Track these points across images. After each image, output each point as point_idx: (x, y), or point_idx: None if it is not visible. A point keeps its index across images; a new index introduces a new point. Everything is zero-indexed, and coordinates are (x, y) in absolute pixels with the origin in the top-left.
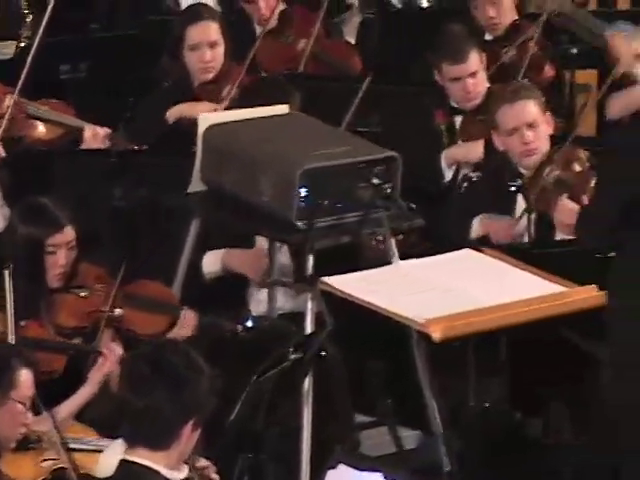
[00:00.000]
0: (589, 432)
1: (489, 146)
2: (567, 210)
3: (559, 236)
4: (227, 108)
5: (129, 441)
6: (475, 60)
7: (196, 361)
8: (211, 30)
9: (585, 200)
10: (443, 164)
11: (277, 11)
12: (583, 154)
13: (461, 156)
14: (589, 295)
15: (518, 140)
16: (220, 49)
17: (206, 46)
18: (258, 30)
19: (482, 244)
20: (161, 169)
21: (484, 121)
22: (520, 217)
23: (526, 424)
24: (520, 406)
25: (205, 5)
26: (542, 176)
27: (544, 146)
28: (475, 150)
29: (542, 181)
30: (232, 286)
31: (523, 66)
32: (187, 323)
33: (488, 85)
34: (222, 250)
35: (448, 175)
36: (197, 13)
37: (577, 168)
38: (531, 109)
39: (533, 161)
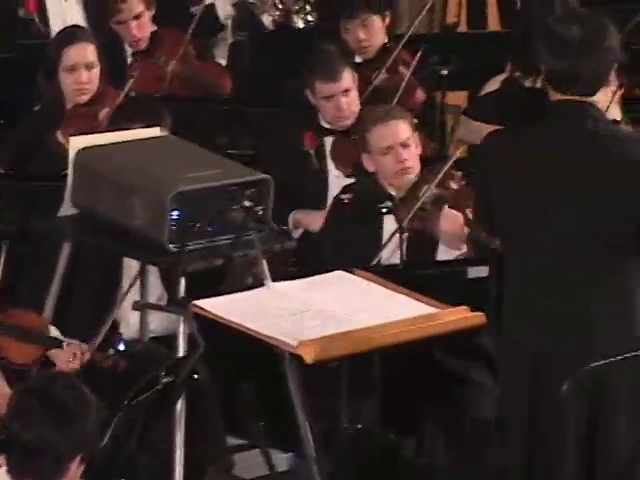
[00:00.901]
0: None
1: (359, 167)
2: (452, 219)
3: (442, 251)
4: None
5: (16, 474)
6: (348, 78)
7: (85, 395)
8: (88, 52)
9: (469, 214)
10: (290, 225)
11: (148, 33)
12: (457, 173)
13: (305, 223)
14: (461, 316)
15: (393, 159)
16: (96, 71)
17: (82, 67)
18: (129, 51)
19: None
20: (31, 193)
21: (356, 141)
22: (386, 244)
23: (399, 445)
24: (393, 427)
25: (81, 27)
26: (418, 195)
27: (417, 166)
28: (318, 221)
29: (419, 200)
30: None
31: (399, 89)
32: (75, 356)
33: (360, 107)
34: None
35: (295, 235)
36: (74, 35)
37: (454, 186)
38: (404, 129)
39: (407, 180)
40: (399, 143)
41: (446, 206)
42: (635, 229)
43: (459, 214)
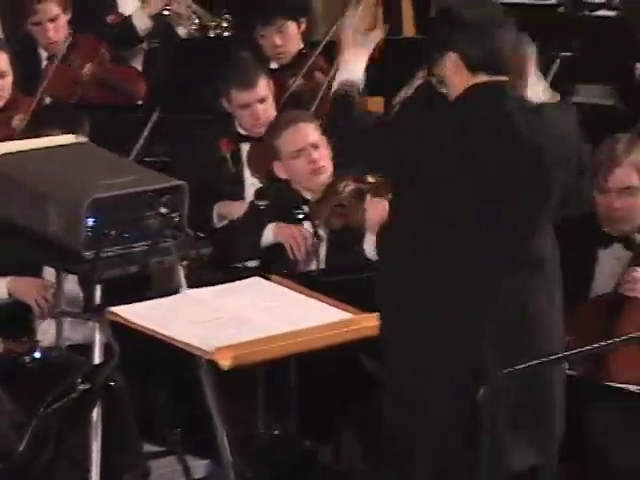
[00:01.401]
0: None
1: (272, 174)
2: (376, 206)
3: (370, 241)
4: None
5: None
6: (264, 86)
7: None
8: (0, 60)
9: None
10: (215, 218)
11: (63, 36)
12: None
13: (226, 212)
14: (375, 323)
15: (305, 161)
16: (8, 79)
17: None
18: (44, 55)
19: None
20: None
21: (271, 148)
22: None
23: (317, 451)
24: (311, 433)
25: None
26: (336, 192)
27: (329, 166)
28: (240, 209)
29: (338, 197)
30: (20, 316)
31: (316, 96)
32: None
33: (276, 113)
34: (8, 277)
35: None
36: None
37: (371, 179)
38: (313, 131)
39: (321, 181)
40: (309, 144)
41: (368, 196)
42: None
43: (382, 200)
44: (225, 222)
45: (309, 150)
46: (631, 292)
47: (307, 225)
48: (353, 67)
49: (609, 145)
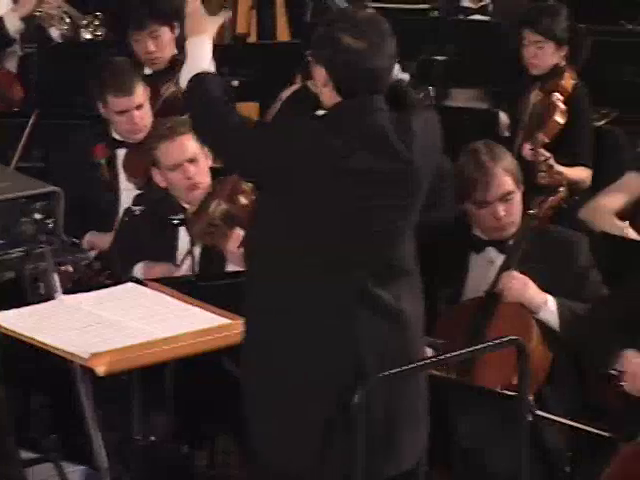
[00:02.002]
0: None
1: (151, 180)
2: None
3: (231, 267)
4: None
5: None
6: (141, 93)
7: None
8: None
9: None
10: (85, 246)
11: None
12: (248, 187)
13: (97, 244)
14: None
15: (181, 175)
16: None
17: None
18: None
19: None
20: None
21: (148, 153)
22: (183, 260)
23: (193, 456)
24: (187, 439)
25: None
26: (208, 210)
27: (206, 180)
28: (107, 240)
29: (209, 216)
30: None
31: None
32: None
33: (153, 120)
34: None
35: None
36: None
37: (243, 201)
38: (191, 144)
39: (196, 196)
40: (186, 159)
41: (237, 227)
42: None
43: None
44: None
45: (185, 165)
46: (505, 294)
47: (183, 231)
48: (199, 54)
49: (473, 158)
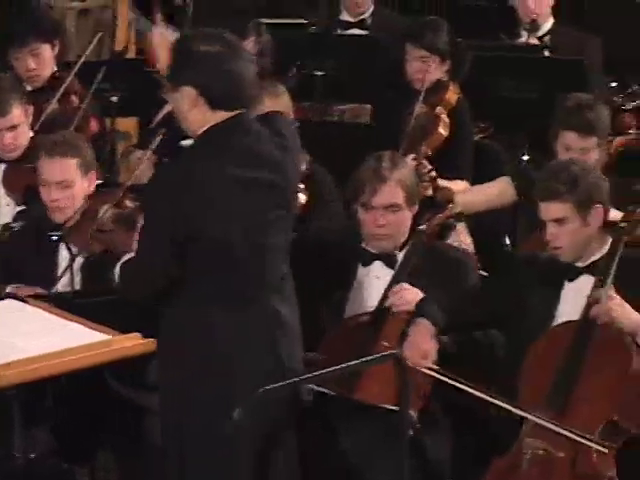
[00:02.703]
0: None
1: (31, 195)
2: None
3: None
4: None
5: None
6: (18, 114)
7: None
8: None
9: None
10: None
11: None
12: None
13: None
14: (134, 343)
15: (46, 194)
16: None
17: None
18: None
19: None
20: None
21: (28, 170)
22: (62, 275)
23: (74, 472)
24: (67, 455)
25: None
26: (94, 219)
27: (74, 205)
28: None
29: (96, 224)
30: None
31: (72, 119)
32: None
33: (32, 135)
34: None
35: None
36: None
37: (130, 204)
38: (65, 167)
39: (57, 217)
40: (55, 181)
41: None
42: None
43: None
44: None
45: (53, 186)
46: (395, 308)
47: (62, 247)
48: None
49: (373, 163)
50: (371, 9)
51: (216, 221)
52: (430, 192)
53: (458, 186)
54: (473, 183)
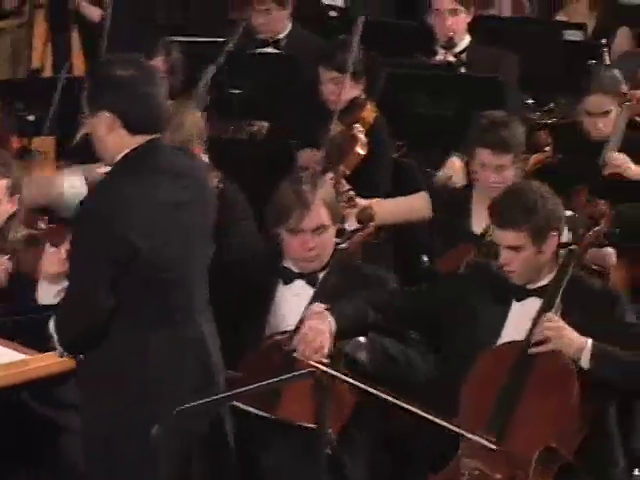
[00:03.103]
0: None
1: None
2: (54, 257)
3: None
4: None
5: None
6: None
7: None
8: None
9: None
10: None
11: None
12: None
13: None
14: (51, 362)
15: None
16: None
17: None
18: None
19: None
20: None
21: None
22: None
23: None
24: None
25: None
26: (5, 240)
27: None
28: None
29: (7, 244)
30: None
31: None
32: None
33: None
34: None
35: None
36: None
37: (42, 225)
38: None
39: None
40: None
41: (47, 245)
42: None
43: (59, 250)
44: None
45: None
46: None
47: None
48: None
49: (294, 186)
50: (287, 29)
51: (148, 245)
52: (348, 211)
53: (376, 204)
54: None
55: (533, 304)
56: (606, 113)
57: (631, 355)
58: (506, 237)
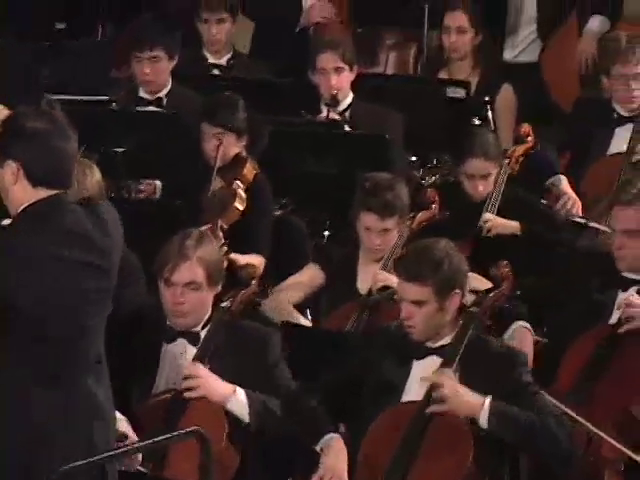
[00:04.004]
0: None
1: None
2: None
3: None
4: None
5: None
6: None
7: None
8: None
9: None
10: None
11: None
12: None
13: None
14: None
15: None
16: None
17: None
18: None
19: None
20: None
21: None
22: None
23: None
24: None
25: None
26: None
27: None
28: None
29: None
30: None
31: None
32: None
33: None
34: None
35: None
36: None
37: None
38: None
39: None
40: None
41: None
42: None
43: None
44: None
45: None
46: (189, 394)
47: None
48: None
49: (179, 240)
50: (168, 87)
51: (33, 298)
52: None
53: (253, 260)
54: (274, 259)
55: (433, 363)
56: (486, 176)
57: (528, 415)
58: (410, 291)
